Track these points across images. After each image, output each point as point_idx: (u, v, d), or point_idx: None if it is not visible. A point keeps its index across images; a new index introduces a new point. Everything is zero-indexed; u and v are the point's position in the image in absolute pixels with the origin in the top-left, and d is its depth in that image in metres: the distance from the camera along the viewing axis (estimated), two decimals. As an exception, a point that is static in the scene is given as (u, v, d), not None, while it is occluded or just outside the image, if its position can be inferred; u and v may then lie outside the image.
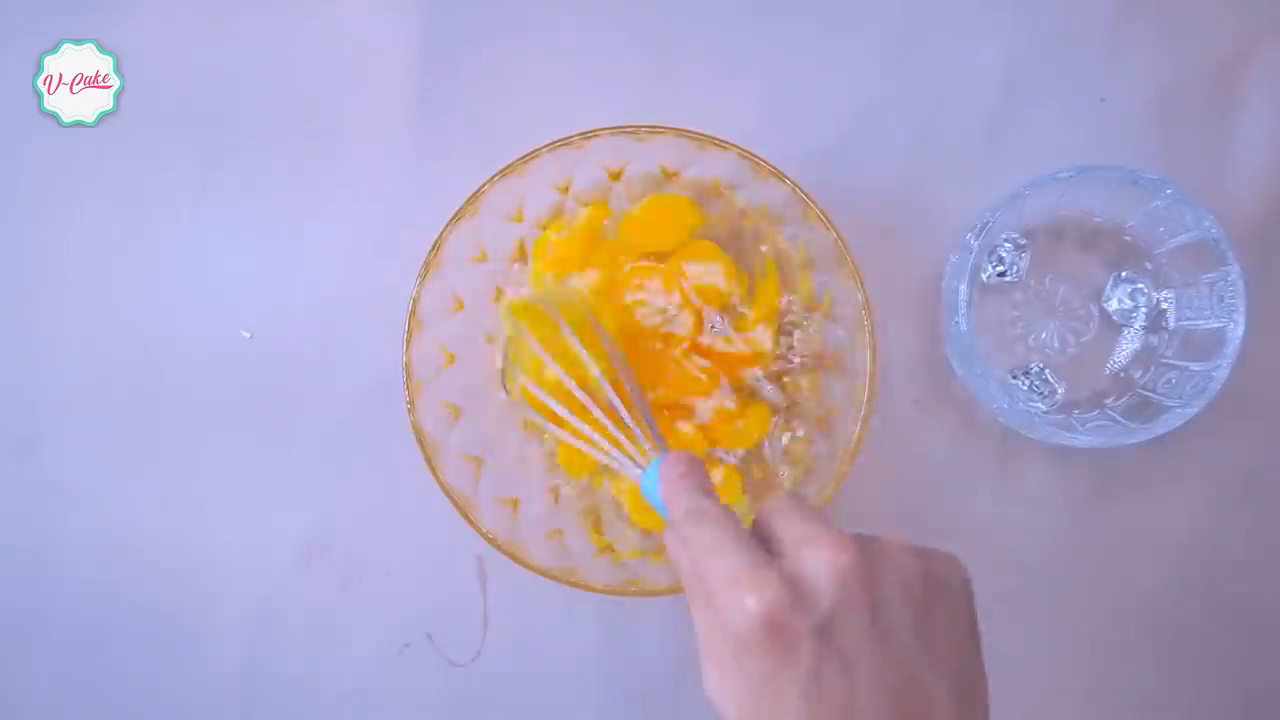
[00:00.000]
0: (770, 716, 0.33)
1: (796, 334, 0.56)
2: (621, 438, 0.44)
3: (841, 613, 0.33)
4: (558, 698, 0.57)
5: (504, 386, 0.53)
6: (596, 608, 0.56)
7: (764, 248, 0.56)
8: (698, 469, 0.41)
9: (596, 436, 0.45)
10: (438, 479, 0.51)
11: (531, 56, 0.58)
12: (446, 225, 0.51)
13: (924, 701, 0.34)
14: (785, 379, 0.56)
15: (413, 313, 0.51)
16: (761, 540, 0.37)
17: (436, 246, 0.51)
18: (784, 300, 0.56)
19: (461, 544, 0.55)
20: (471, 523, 0.51)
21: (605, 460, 0.45)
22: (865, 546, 0.35)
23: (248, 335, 0.58)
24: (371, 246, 0.57)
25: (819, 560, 0.34)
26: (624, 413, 0.45)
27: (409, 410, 0.51)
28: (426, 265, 0.51)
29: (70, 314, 0.58)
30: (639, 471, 0.43)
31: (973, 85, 0.58)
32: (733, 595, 0.34)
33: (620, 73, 0.58)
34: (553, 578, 0.51)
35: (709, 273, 0.55)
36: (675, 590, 0.51)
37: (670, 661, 0.57)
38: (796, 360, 0.56)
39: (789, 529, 0.36)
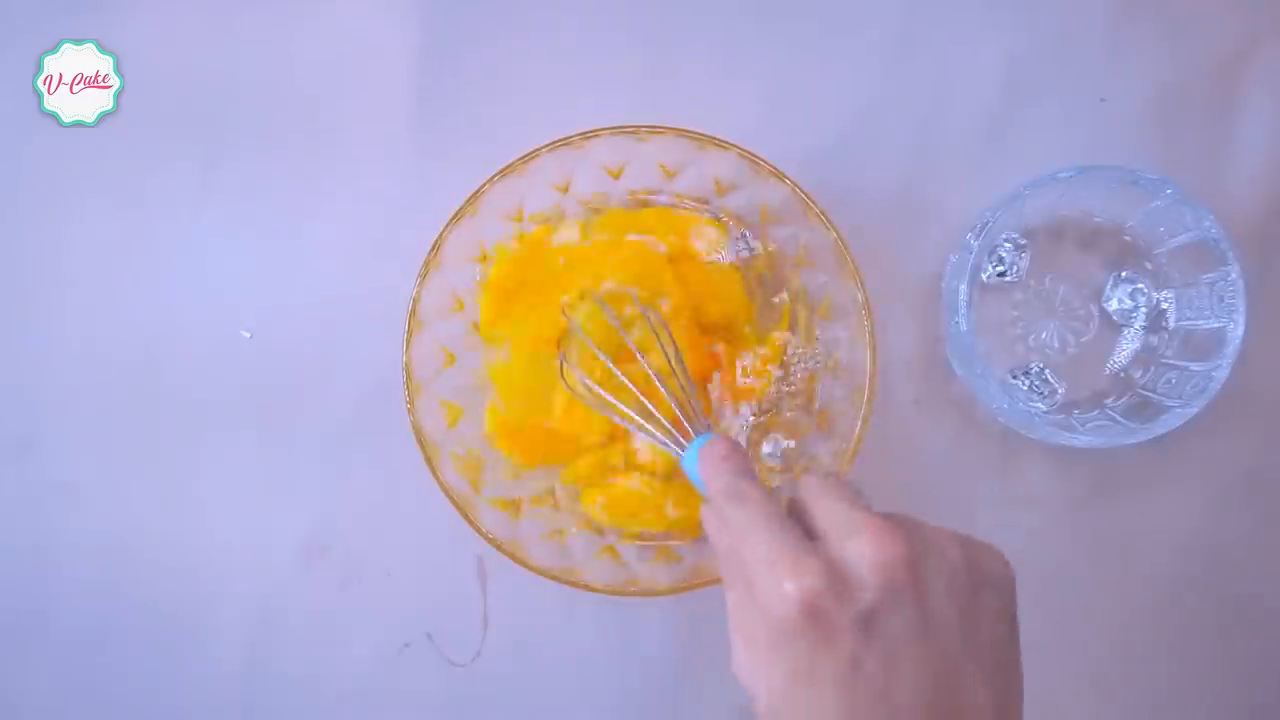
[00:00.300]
0: (804, 703, 0.33)
1: (795, 370, 0.56)
2: (662, 418, 0.45)
3: (885, 604, 0.33)
4: (558, 698, 0.57)
5: (561, 374, 0.53)
6: (596, 608, 0.56)
7: (778, 297, 0.56)
8: (739, 452, 0.41)
9: (635, 414, 0.47)
10: (438, 479, 0.51)
11: (531, 56, 0.58)
12: (446, 225, 0.51)
13: (963, 697, 0.33)
14: (770, 412, 0.56)
15: (413, 313, 0.51)
16: (800, 522, 0.36)
17: (436, 246, 0.51)
18: (786, 340, 0.56)
19: (461, 544, 0.55)
20: (471, 523, 0.51)
21: (647, 437, 0.46)
22: (911, 536, 0.34)
23: (248, 335, 0.58)
24: (371, 246, 0.57)
25: (864, 549, 0.34)
26: (668, 392, 0.46)
27: (409, 410, 0.51)
28: (426, 265, 0.51)
29: (70, 314, 0.58)
30: (680, 450, 0.44)
31: (973, 85, 0.58)
32: (772, 579, 0.34)
33: (620, 73, 0.58)
34: (553, 578, 0.51)
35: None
36: (675, 590, 0.51)
37: (670, 661, 0.57)
38: (787, 395, 0.55)
39: (829, 513, 0.36)
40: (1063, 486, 0.57)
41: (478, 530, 0.51)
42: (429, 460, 0.51)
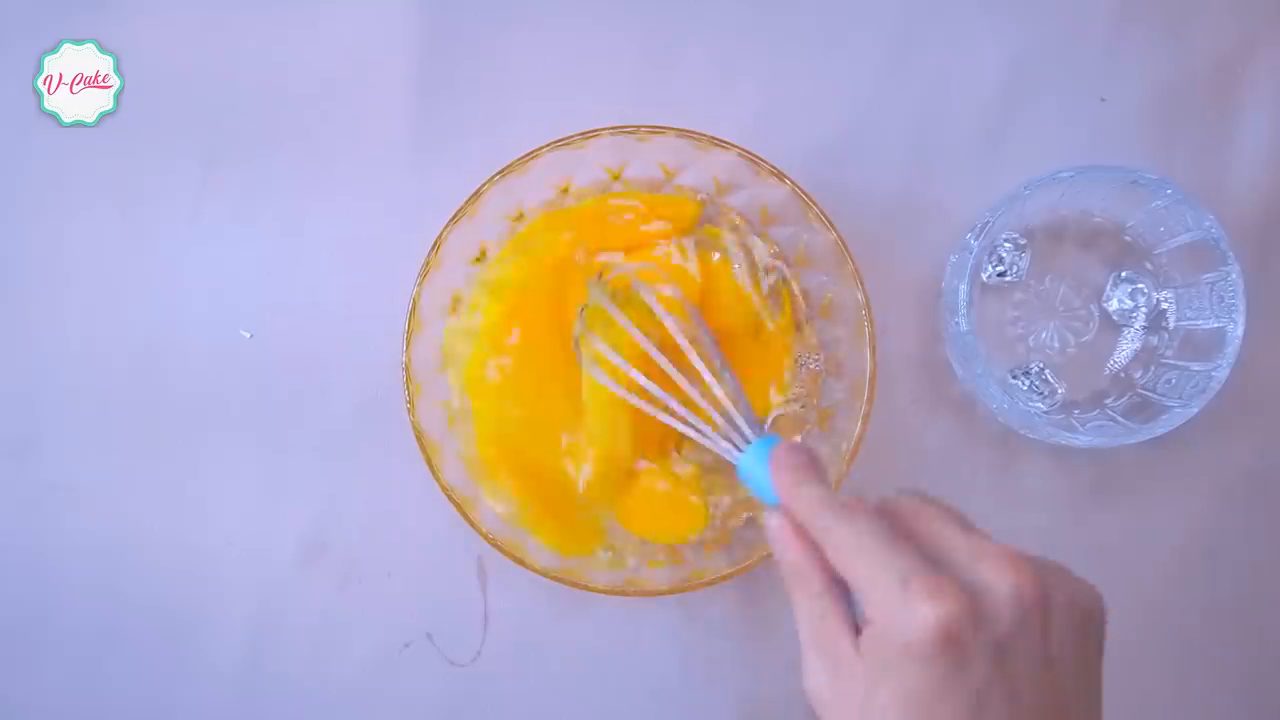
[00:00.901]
0: None
1: (802, 373, 0.55)
2: (717, 417, 0.43)
3: (1017, 636, 0.32)
4: (558, 698, 0.57)
5: (576, 351, 0.52)
6: (596, 608, 0.56)
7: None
8: (817, 460, 0.39)
9: (688, 414, 0.44)
10: (438, 479, 0.51)
11: (531, 56, 0.58)
12: (446, 225, 0.51)
13: None
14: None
15: (413, 313, 0.51)
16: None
17: (436, 246, 0.51)
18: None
19: (461, 544, 0.56)
20: (471, 523, 0.51)
21: (695, 436, 0.44)
22: (1039, 568, 0.34)
23: (248, 335, 0.58)
24: (371, 246, 0.57)
25: (1001, 577, 0.33)
26: (720, 394, 0.44)
27: (409, 410, 0.51)
28: (426, 265, 0.51)
29: (70, 314, 0.58)
30: (738, 453, 0.42)
31: (973, 85, 0.58)
32: (902, 599, 0.32)
33: (620, 73, 0.58)
34: (553, 578, 0.51)
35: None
36: (675, 590, 0.51)
37: (670, 661, 0.57)
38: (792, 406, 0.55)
39: (949, 536, 0.34)
40: (1063, 486, 0.57)
41: (478, 530, 0.51)
42: (429, 460, 0.51)
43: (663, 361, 0.45)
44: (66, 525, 0.57)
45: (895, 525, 0.35)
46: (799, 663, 0.59)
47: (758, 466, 0.40)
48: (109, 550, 0.57)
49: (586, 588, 0.51)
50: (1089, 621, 0.35)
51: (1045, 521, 0.57)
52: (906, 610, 0.32)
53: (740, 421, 0.43)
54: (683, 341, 0.45)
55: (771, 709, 0.56)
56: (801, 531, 0.37)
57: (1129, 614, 0.57)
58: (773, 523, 0.37)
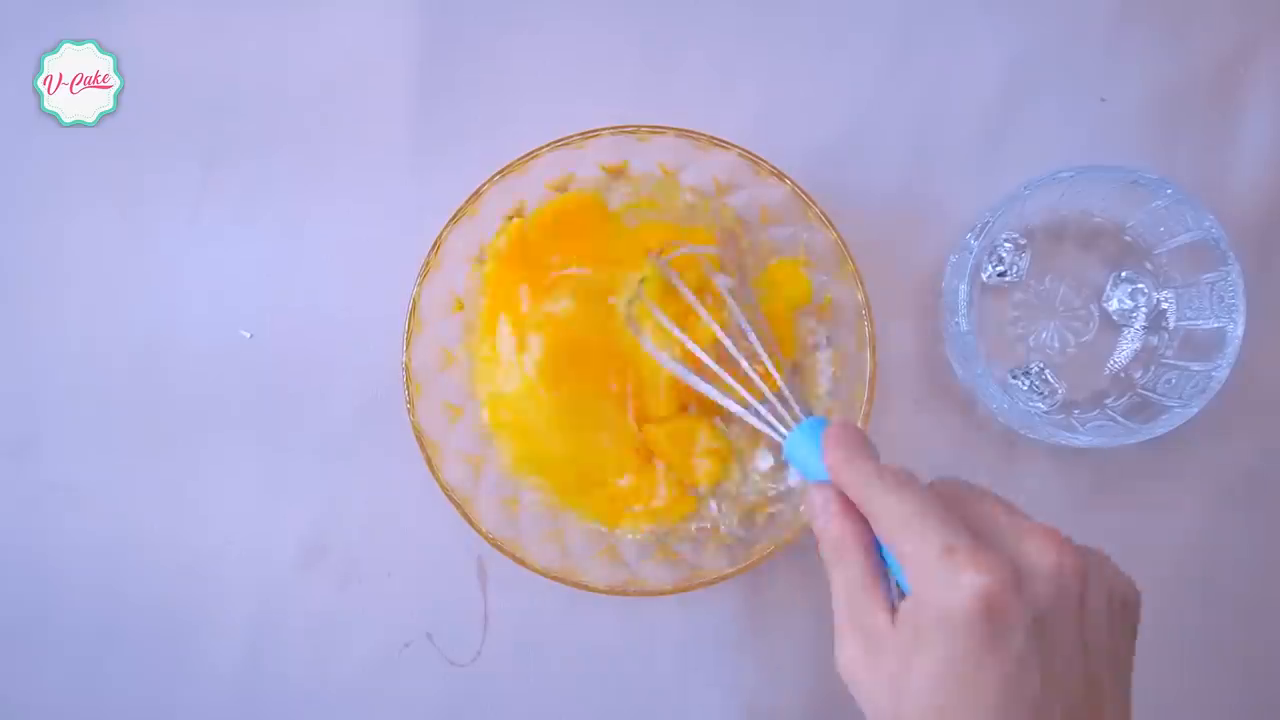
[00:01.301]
0: (959, 698, 0.32)
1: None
2: (771, 396, 0.44)
3: (1055, 612, 0.33)
4: (558, 698, 0.57)
5: (633, 320, 0.52)
6: (596, 608, 0.56)
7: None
8: (868, 440, 0.39)
9: (742, 391, 0.45)
10: (438, 479, 0.51)
11: (531, 56, 0.58)
12: (446, 225, 0.51)
13: (1099, 710, 0.33)
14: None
15: (413, 313, 0.51)
16: None
17: (436, 246, 0.51)
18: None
19: (461, 544, 0.56)
20: (471, 523, 0.51)
21: (744, 415, 0.45)
22: (1082, 551, 0.34)
23: (248, 335, 0.58)
24: (371, 246, 0.57)
25: (1044, 554, 0.33)
26: (759, 379, 0.45)
27: (409, 410, 0.51)
28: (426, 265, 0.51)
29: (70, 314, 0.58)
30: (783, 432, 0.43)
31: (973, 85, 0.58)
32: (948, 567, 0.33)
33: (620, 73, 0.58)
34: (553, 578, 0.51)
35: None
36: (676, 590, 0.51)
37: (670, 661, 0.57)
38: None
39: (995, 515, 0.35)
40: (1063, 486, 0.57)
41: (478, 530, 0.51)
42: (429, 460, 0.51)
43: (721, 335, 0.47)
44: (66, 525, 0.57)
45: (944, 502, 0.36)
46: (799, 663, 0.59)
47: (803, 446, 0.41)
48: (109, 550, 0.57)
49: (586, 588, 0.51)
50: (1126, 610, 0.35)
51: (1045, 521, 0.57)
52: (949, 579, 0.33)
53: (791, 401, 0.44)
54: (742, 322, 0.47)
55: (771, 709, 0.56)
56: (847, 506, 0.37)
57: (1129, 614, 0.57)
58: (816, 498, 0.38)
